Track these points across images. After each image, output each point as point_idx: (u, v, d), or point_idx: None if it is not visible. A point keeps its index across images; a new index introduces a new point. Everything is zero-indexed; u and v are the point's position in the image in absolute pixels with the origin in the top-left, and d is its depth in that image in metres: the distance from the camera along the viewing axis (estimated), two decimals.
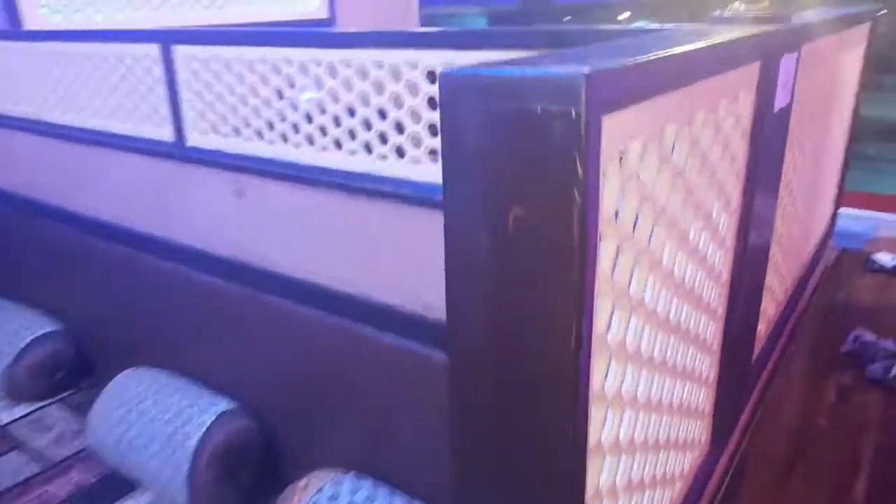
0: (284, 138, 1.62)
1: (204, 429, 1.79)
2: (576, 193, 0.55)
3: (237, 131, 1.72)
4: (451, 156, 0.62)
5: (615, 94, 0.59)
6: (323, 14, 3.55)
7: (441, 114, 0.61)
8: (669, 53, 0.69)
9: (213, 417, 1.81)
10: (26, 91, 2.38)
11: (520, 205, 0.58)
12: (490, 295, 0.65)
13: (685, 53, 0.73)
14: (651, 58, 0.65)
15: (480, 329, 0.67)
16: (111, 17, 2.91)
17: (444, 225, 0.64)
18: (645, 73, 0.66)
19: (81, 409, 2.35)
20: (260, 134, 1.67)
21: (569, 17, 8.39)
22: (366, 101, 1.43)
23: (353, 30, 1.47)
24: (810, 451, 0.99)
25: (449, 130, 0.61)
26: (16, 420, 2.33)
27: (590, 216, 0.57)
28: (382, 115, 1.42)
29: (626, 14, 8.54)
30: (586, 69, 0.53)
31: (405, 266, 1.46)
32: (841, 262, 1.72)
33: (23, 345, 2.39)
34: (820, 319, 1.36)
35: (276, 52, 1.55)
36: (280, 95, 1.59)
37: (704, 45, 0.78)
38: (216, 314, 1.93)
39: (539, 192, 0.57)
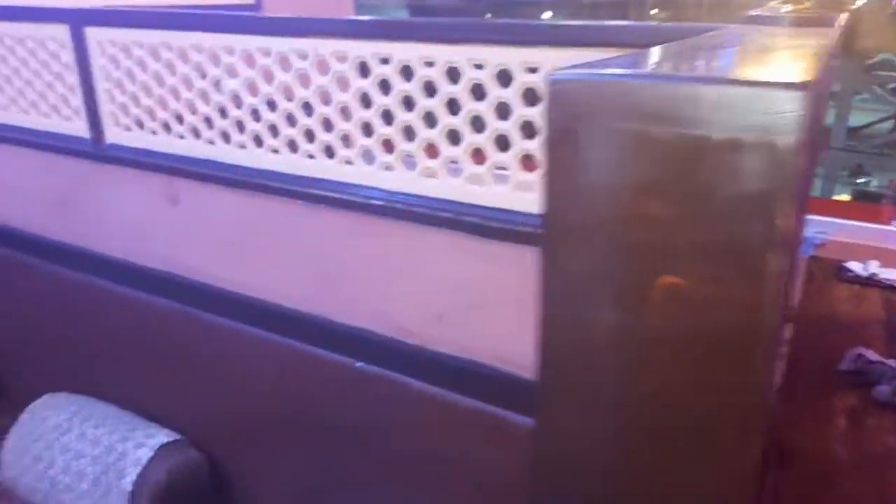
0: (226, 138, 1.41)
1: (140, 466, 1.58)
2: (774, 259, 0.39)
3: (167, 128, 1.49)
4: (561, 190, 0.46)
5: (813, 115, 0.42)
6: None
7: (550, 131, 0.45)
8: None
9: (151, 452, 1.60)
10: None
11: (679, 270, 0.42)
12: (619, 400, 0.49)
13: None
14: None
15: (610, 452, 0.52)
16: None
17: (543, 281, 0.48)
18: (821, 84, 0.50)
19: None
20: (196, 132, 1.45)
21: (489, 14, 8.15)
22: (326, 99, 1.25)
23: (294, 15, 1.28)
24: (837, 486, 0.93)
25: (563, 155, 0.45)
26: None
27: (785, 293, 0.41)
28: (345, 114, 1.24)
29: (548, 13, 8.44)
30: (799, 81, 0.37)
31: (375, 286, 1.30)
32: (812, 271, 1.69)
33: None
34: (807, 335, 1.31)
35: (214, 38, 1.33)
36: (219, 88, 1.37)
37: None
38: (146, 333, 1.70)
39: (713, 256, 0.41)
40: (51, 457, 1.69)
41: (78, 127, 1.63)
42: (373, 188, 1.24)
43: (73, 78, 1.58)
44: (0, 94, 1.78)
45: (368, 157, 1.24)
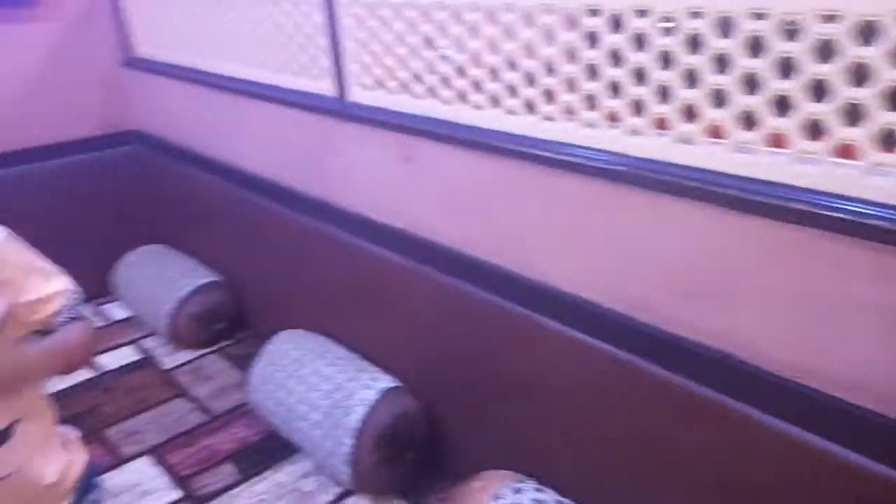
0: (463, 98, 1.40)
1: (366, 406, 1.70)
2: None
3: (406, 87, 1.52)
4: None
5: None
6: None
7: None
8: None
9: (377, 395, 1.72)
10: (182, 37, 2.30)
11: None
12: None
13: None
14: None
15: None
16: None
17: None
18: None
19: (238, 361, 2.37)
20: (433, 92, 1.46)
21: None
22: (571, 56, 1.18)
23: None
24: None
25: None
26: (178, 367, 2.39)
27: None
28: (592, 73, 1.16)
29: None
30: None
31: (620, 263, 1.22)
32: None
33: (184, 293, 2.42)
34: None
35: None
36: (460, 48, 1.36)
37: None
38: (377, 284, 1.80)
39: None
40: (289, 386, 1.89)
41: (324, 86, 1.74)
42: (618, 154, 1.16)
43: (323, 39, 1.68)
44: (258, 54, 1.95)
45: (612, 120, 1.15)
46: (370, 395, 1.72)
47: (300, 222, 1.99)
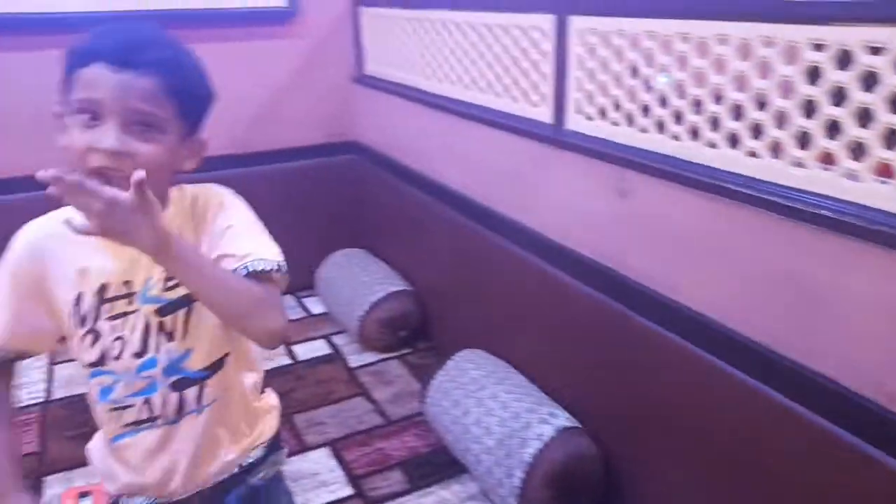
0: (695, 135, 1.30)
1: (542, 442, 1.64)
2: None
3: (630, 119, 1.46)
4: None
5: None
6: None
7: None
8: None
9: (554, 432, 1.65)
10: (404, 57, 2.45)
11: None
12: None
13: None
14: None
15: None
16: None
17: None
18: None
19: (417, 371, 2.43)
20: (661, 126, 1.38)
21: None
22: (841, 96, 1.04)
23: None
24: None
25: None
26: (362, 366, 2.51)
27: None
28: (867, 116, 1.01)
29: None
30: None
31: (856, 328, 1.06)
32: None
33: (375, 298, 2.55)
34: None
35: (706, 26, 1.23)
36: (701, 82, 1.27)
37: None
38: (568, 317, 1.75)
39: None
40: (466, 405, 1.89)
41: (541, 113, 1.73)
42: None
43: (547, 66, 1.67)
44: (478, 78, 2.00)
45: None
46: (547, 431, 1.66)
47: (496, 243, 2.00)
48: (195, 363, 0.96)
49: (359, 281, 2.69)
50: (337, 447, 2.07)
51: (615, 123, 1.50)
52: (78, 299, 0.92)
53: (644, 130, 1.42)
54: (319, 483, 1.91)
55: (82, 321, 0.93)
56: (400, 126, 2.61)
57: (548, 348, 1.87)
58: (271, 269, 0.91)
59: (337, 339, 2.69)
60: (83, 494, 1.83)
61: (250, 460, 1.07)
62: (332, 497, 1.86)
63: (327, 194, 2.95)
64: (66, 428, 2.13)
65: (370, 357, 2.56)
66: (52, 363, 2.50)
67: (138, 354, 0.94)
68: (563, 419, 1.70)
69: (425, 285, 2.58)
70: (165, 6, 2.50)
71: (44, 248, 0.93)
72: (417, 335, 2.60)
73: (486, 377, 1.94)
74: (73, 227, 0.76)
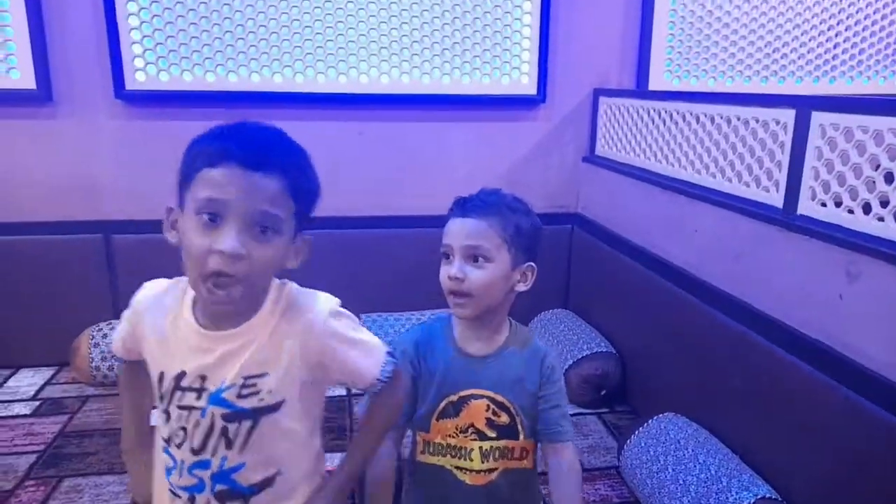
0: None
1: None
2: None
3: (867, 208, 1.55)
4: None
5: None
6: None
7: None
8: None
9: (753, 499, 1.70)
10: (635, 141, 2.71)
11: None
12: None
13: None
14: None
15: None
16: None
17: None
18: None
19: (613, 428, 2.56)
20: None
21: None
22: None
23: None
24: None
25: None
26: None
27: None
28: None
29: None
30: None
31: None
32: None
33: (581, 355, 2.74)
34: None
35: None
36: None
37: None
38: (778, 393, 1.81)
39: None
40: (665, 462, 1.99)
41: (772, 197, 1.87)
42: None
43: (782, 156, 1.82)
44: (710, 163, 2.19)
45: None
46: (746, 497, 1.72)
47: (709, 314, 2.12)
48: (246, 477, 0.95)
49: (565, 338, 2.91)
50: None
51: (850, 211, 1.60)
52: (161, 377, 0.95)
53: (881, 219, 1.51)
54: None
55: (161, 398, 0.96)
56: (620, 202, 2.85)
57: (754, 421, 1.92)
58: (392, 369, 1.00)
59: None
60: None
61: None
62: None
63: (543, 257, 3.23)
64: None
65: (570, 409, 2.73)
66: None
67: (195, 452, 0.93)
68: (765, 490, 1.74)
69: (629, 350, 2.72)
70: (427, 91, 3.00)
71: (153, 311, 0.98)
72: (613, 397, 2.74)
73: (686, 439, 2.03)
74: None
